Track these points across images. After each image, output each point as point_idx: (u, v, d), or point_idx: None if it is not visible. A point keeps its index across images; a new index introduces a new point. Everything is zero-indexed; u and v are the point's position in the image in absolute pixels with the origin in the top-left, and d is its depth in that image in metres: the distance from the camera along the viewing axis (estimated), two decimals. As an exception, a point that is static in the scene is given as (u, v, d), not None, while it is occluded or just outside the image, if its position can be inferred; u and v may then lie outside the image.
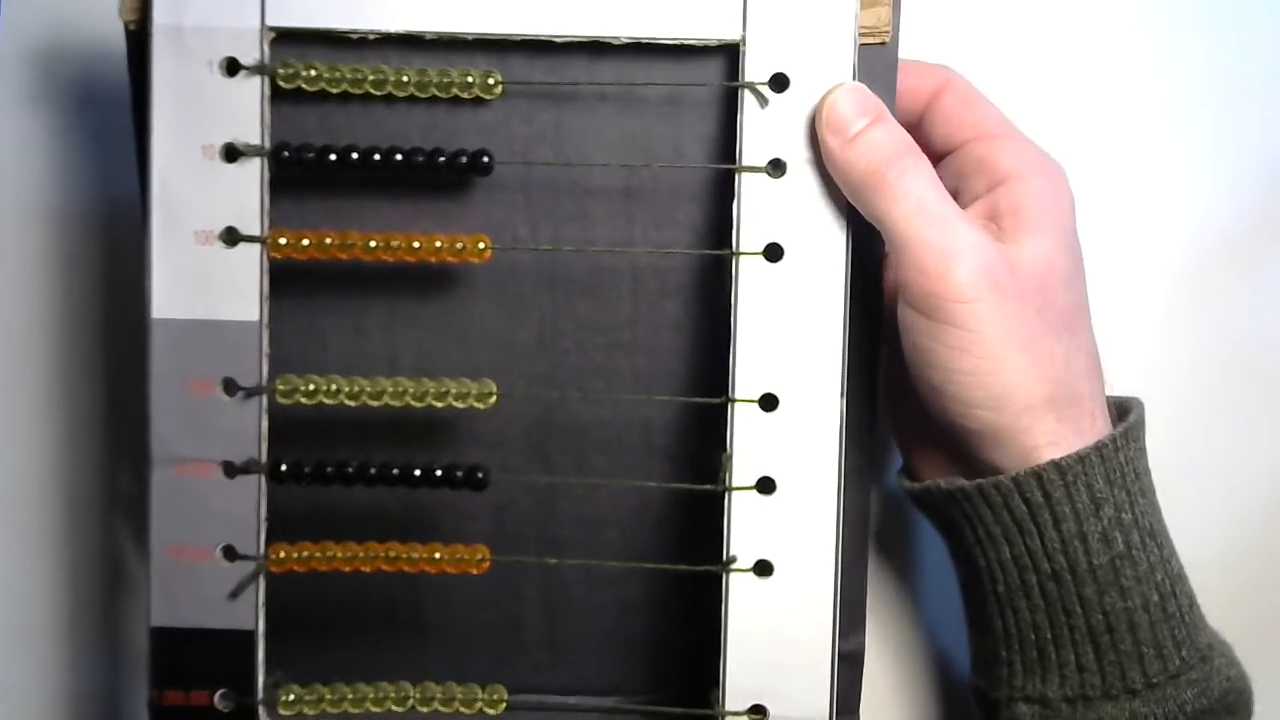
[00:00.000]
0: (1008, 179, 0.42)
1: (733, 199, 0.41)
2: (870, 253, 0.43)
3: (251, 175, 0.41)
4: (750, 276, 0.41)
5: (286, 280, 0.42)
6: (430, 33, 0.41)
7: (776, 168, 0.41)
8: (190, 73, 0.41)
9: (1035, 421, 0.41)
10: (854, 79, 0.41)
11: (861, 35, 0.41)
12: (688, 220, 0.43)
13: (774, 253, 0.41)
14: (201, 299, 0.41)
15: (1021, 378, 0.40)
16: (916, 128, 0.44)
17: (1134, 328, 0.52)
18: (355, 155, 0.41)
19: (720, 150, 0.43)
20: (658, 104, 0.43)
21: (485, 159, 0.41)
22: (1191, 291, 0.52)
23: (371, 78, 0.41)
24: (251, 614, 0.42)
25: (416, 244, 0.41)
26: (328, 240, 0.41)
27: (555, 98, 0.43)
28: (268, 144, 0.41)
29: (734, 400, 0.41)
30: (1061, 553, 0.41)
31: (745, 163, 0.41)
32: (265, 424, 0.41)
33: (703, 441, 0.44)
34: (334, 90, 0.41)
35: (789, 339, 0.41)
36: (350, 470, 0.42)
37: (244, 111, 0.41)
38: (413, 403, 0.41)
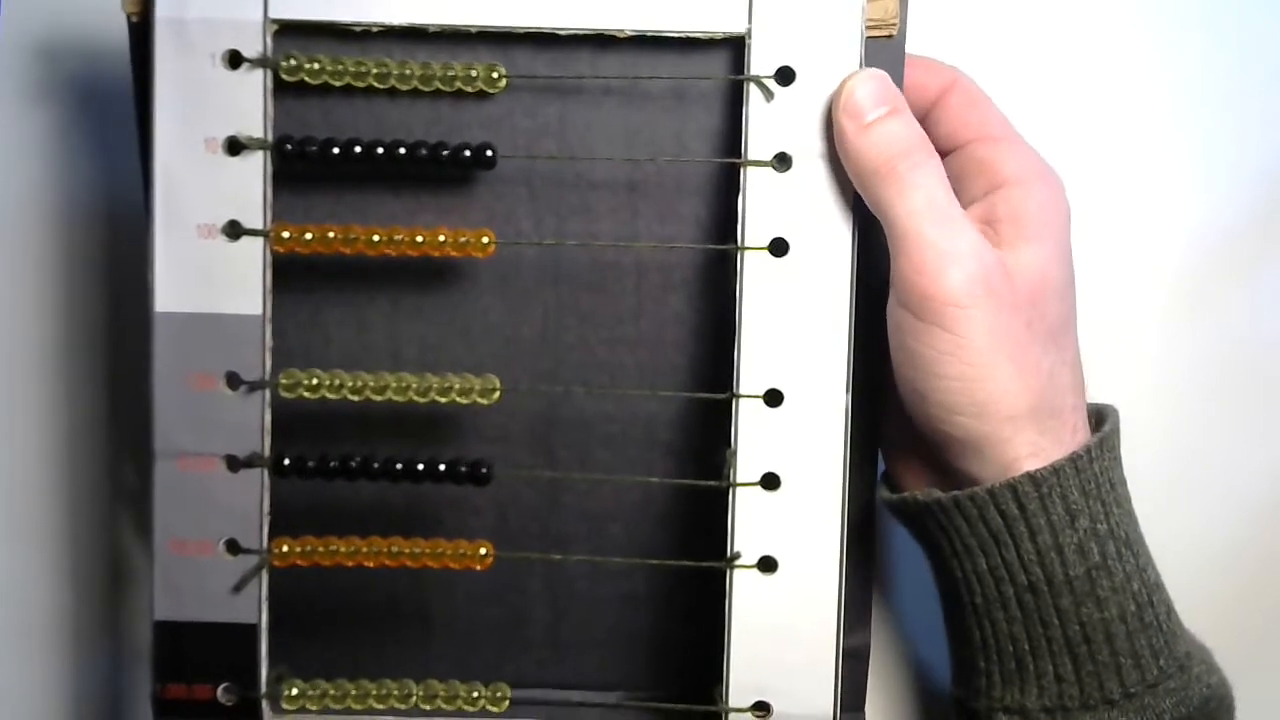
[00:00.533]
0: (1007, 184, 0.42)
1: (738, 193, 0.41)
2: (876, 248, 0.42)
3: (254, 169, 0.41)
4: (755, 271, 0.41)
5: (289, 274, 0.42)
6: (434, 25, 0.41)
7: (782, 162, 0.41)
8: (193, 65, 0.40)
9: (1017, 432, 0.40)
10: (860, 72, 0.40)
11: (868, 27, 0.41)
12: (692, 214, 0.43)
13: (779, 247, 0.41)
14: (204, 293, 0.41)
15: (1007, 387, 0.40)
16: (921, 124, 0.44)
17: (1133, 329, 0.52)
18: (358, 149, 0.41)
19: (725, 144, 0.42)
20: (662, 97, 0.42)
21: (489, 153, 0.41)
22: (1191, 292, 0.52)
23: (375, 71, 0.41)
24: (254, 608, 0.42)
25: (420, 238, 0.41)
26: (331, 234, 0.41)
27: (559, 91, 0.42)
28: (270, 137, 0.41)
29: (739, 396, 0.41)
30: (1038, 564, 0.41)
31: (751, 157, 0.41)
32: (268, 418, 0.41)
33: (707, 436, 0.44)
34: (337, 83, 0.41)
35: (794, 334, 0.41)
36: (353, 465, 0.42)
37: (247, 104, 0.41)
38: (416, 398, 0.41)
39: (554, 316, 0.44)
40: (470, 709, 0.42)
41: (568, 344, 0.44)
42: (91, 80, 0.50)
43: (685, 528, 0.45)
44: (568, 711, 0.45)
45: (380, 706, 0.42)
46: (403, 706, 0.43)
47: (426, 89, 0.41)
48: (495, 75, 0.41)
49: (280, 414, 0.42)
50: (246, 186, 0.41)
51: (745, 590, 0.42)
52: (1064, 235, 0.42)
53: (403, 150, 0.41)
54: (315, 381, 0.41)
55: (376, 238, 0.41)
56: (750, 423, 0.41)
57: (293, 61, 0.40)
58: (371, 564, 0.42)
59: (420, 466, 0.42)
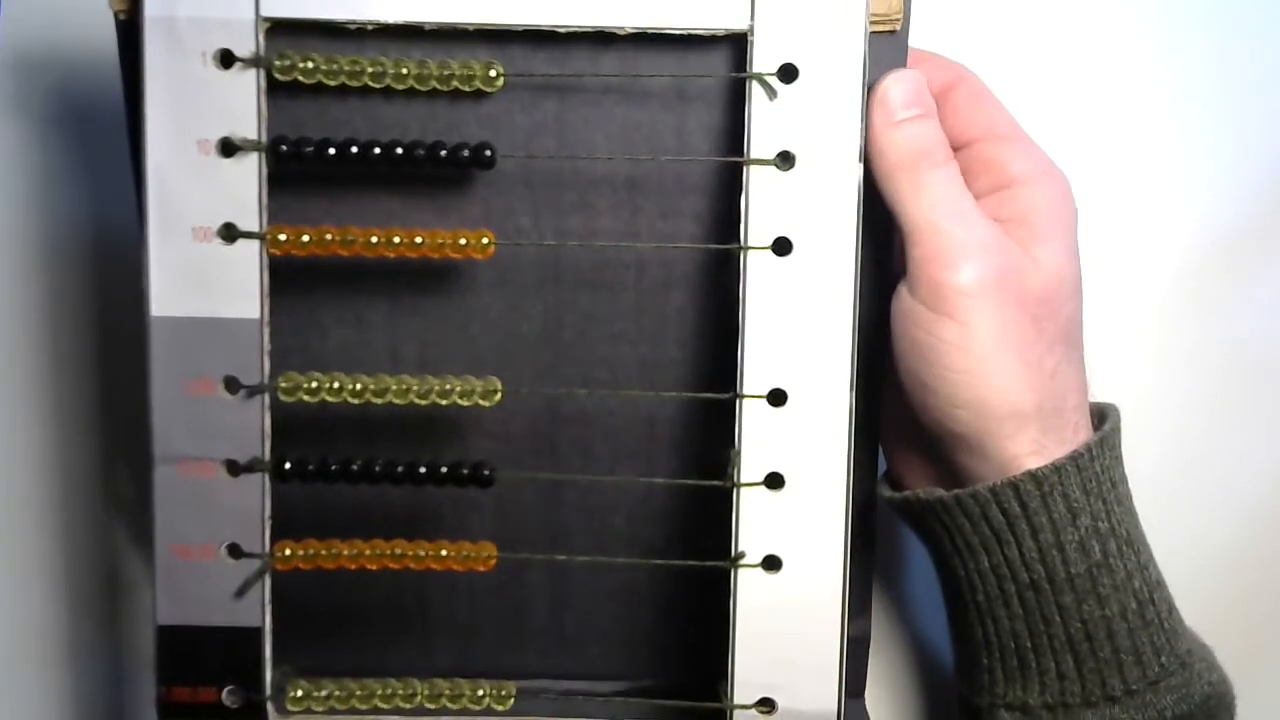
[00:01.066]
0: (1015, 183, 0.42)
1: (739, 191, 0.40)
2: (880, 247, 0.42)
3: (249, 170, 0.40)
4: (759, 271, 0.41)
5: (287, 276, 0.41)
6: (430, 23, 0.40)
7: (785, 160, 0.40)
8: (184, 66, 0.40)
9: (1018, 429, 0.41)
10: (864, 69, 0.40)
11: (872, 23, 0.40)
12: (692, 212, 0.43)
13: (783, 247, 0.40)
14: (201, 296, 0.40)
15: (1009, 384, 0.40)
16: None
17: (1134, 328, 0.52)
18: (354, 149, 0.40)
19: (727, 141, 0.42)
20: (663, 95, 0.42)
21: (488, 152, 0.40)
22: (1191, 292, 0.52)
23: (370, 69, 0.40)
24: (258, 611, 0.42)
25: (419, 239, 0.40)
26: (328, 236, 0.40)
27: (558, 89, 0.42)
28: (265, 138, 0.40)
29: (742, 396, 0.41)
30: (1039, 562, 0.41)
31: (753, 155, 0.40)
32: (268, 422, 0.41)
33: (709, 431, 0.44)
34: (331, 83, 0.40)
35: (798, 334, 0.41)
36: (354, 468, 0.41)
37: (240, 105, 0.40)
38: (417, 400, 0.41)
39: (554, 314, 0.44)
40: (475, 707, 0.43)
41: (568, 341, 0.44)
42: (78, 87, 0.49)
43: (688, 519, 0.45)
44: (572, 704, 0.46)
45: (385, 706, 0.42)
46: (407, 706, 0.43)
47: (423, 88, 0.40)
48: (493, 74, 0.40)
49: (279, 417, 0.41)
50: (241, 188, 0.40)
51: (749, 589, 0.42)
52: (1073, 235, 0.42)
53: (400, 150, 0.40)
54: (315, 385, 0.41)
55: (375, 239, 0.40)
56: (754, 423, 0.41)
57: (286, 60, 0.40)
58: (374, 567, 0.42)
59: (422, 469, 0.41)
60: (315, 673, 0.43)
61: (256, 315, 0.41)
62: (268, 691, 0.42)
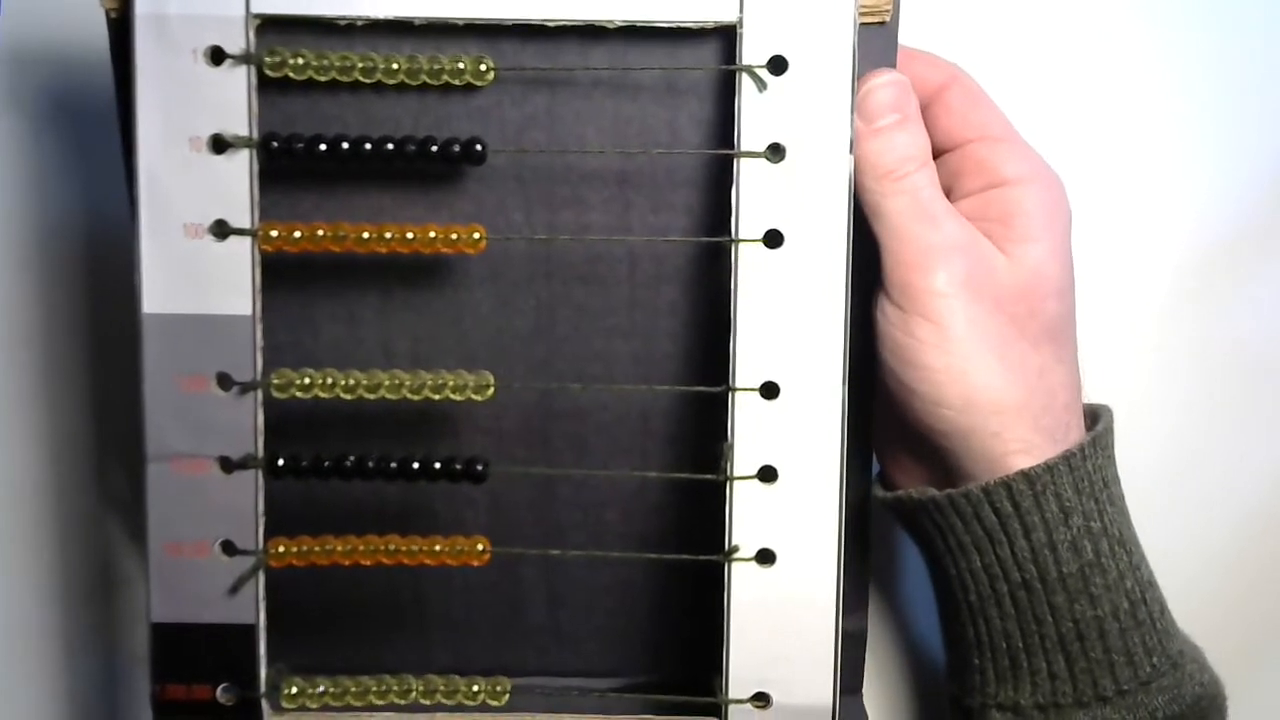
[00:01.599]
0: (1006, 183, 0.42)
1: (730, 184, 0.40)
2: (871, 239, 0.42)
3: (240, 166, 0.40)
4: (750, 263, 0.40)
5: (278, 272, 0.41)
6: (419, 18, 0.40)
7: (775, 152, 0.40)
8: (174, 62, 0.40)
9: (1005, 427, 0.41)
10: (854, 60, 0.40)
11: (861, 14, 0.40)
12: (684, 205, 0.43)
13: (774, 239, 0.40)
14: (193, 293, 0.40)
15: (990, 379, 0.40)
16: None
17: (1133, 328, 0.52)
18: (345, 145, 0.40)
19: (717, 134, 0.42)
20: (653, 88, 0.42)
21: (479, 147, 0.40)
22: (1191, 292, 0.52)
23: (360, 65, 0.40)
24: (252, 608, 0.42)
25: (410, 235, 0.40)
26: (320, 232, 0.40)
27: (548, 83, 0.42)
28: (256, 134, 0.40)
29: (735, 389, 0.41)
30: (1032, 562, 0.41)
31: (744, 148, 0.40)
32: (261, 418, 0.41)
33: (701, 424, 0.44)
34: (322, 78, 0.40)
35: (790, 327, 0.41)
36: (348, 465, 0.41)
37: (231, 101, 0.40)
38: (410, 395, 0.41)
39: (546, 308, 0.44)
40: (470, 703, 0.42)
41: (561, 335, 0.44)
42: (69, 84, 0.49)
43: (681, 515, 0.45)
44: (567, 699, 0.45)
45: (380, 703, 0.42)
46: (402, 702, 0.42)
47: (413, 83, 0.40)
48: (483, 68, 0.40)
49: (272, 413, 0.41)
50: (233, 185, 0.40)
51: (744, 583, 0.41)
52: (1063, 236, 0.42)
53: (391, 145, 0.40)
54: (308, 381, 0.41)
55: (366, 235, 0.41)
56: (746, 416, 0.41)
57: (276, 57, 0.40)
58: (368, 562, 0.42)
59: (415, 465, 0.41)
60: (310, 670, 0.43)
61: (249, 311, 0.41)
62: (262, 689, 0.42)
